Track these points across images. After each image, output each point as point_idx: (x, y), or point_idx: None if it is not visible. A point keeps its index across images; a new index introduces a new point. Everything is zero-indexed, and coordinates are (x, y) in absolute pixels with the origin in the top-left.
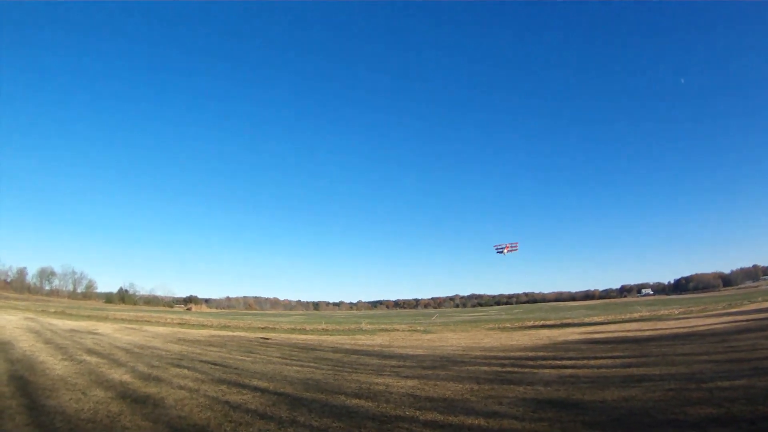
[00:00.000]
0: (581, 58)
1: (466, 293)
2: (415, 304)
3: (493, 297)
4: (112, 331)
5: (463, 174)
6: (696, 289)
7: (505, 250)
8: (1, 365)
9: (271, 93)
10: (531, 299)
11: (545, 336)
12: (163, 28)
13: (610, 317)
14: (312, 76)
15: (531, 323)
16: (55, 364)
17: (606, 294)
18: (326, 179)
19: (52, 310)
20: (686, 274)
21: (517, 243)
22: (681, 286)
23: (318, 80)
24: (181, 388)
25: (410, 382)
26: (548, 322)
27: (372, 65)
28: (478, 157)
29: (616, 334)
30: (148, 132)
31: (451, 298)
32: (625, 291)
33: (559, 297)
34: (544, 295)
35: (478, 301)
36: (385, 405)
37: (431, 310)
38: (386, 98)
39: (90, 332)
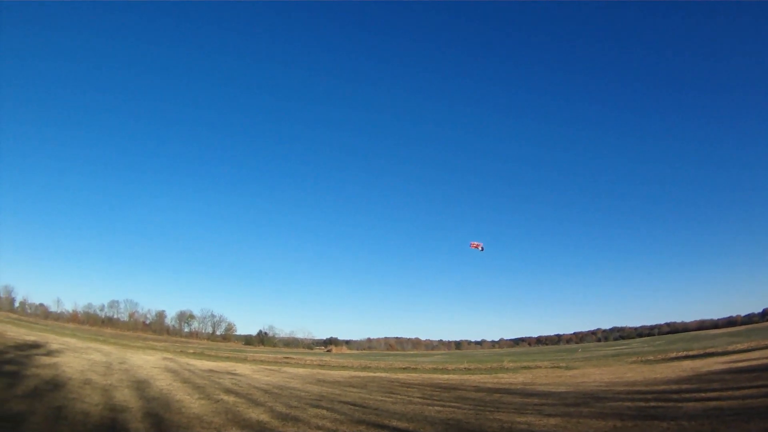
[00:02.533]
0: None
1: (607, 326)
2: (557, 339)
3: (635, 329)
4: (250, 371)
5: (597, 202)
6: None
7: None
8: (137, 402)
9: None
10: (673, 329)
11: (688, 367)
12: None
13: (753, 344)
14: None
15: (673, 354)
16: (191, 403)
17: (749, 319)
18: (460, 219)
19: (191, 351)
20: None
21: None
22: None
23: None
24: (319, 428)
25: (553, 420)
26: (691, 353)
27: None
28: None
29: (760, 362)
30: (277, 175)
31: (593, 332)
32: None
33: (701, 325)
34: (685, 324)
35: (620, 334)
36: None
37: (573, 346)
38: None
39: (228, 372)
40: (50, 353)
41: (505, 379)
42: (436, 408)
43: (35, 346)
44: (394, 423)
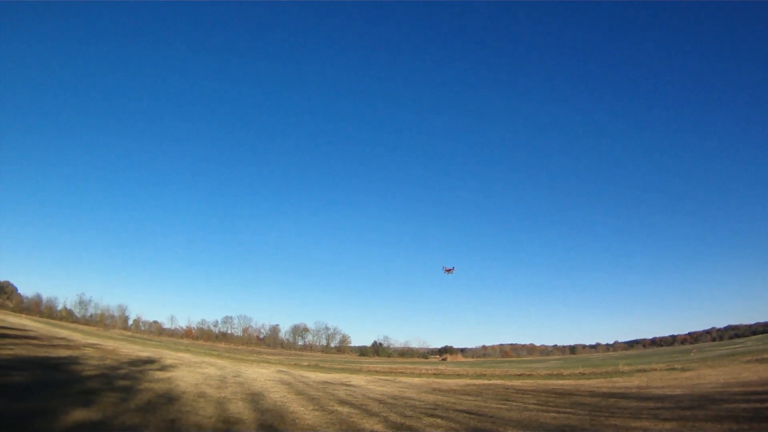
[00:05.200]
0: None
1: (721, 325)
2: (672, 340)
3: (750, 326)
4: (365, 382)
5: (703, 198)
6: None
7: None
8: (251, 414)
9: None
10: None
11: None
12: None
13: None
14: None
15: None
16: (305, 414)
17: None
18: (569, 223)
19: (305, 363)
20: None
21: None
22: None
23: None
24: None
25: (668, 425)
26: None
27: None
28: None
29: None
30: (390, 189)
31: (708, 332)
32: None
33: None
34: None
35: (734, 332)
36: None
37: (688, 346)
38: None
39: (343, 384)
40: (164, 368)
41: (620, 382)
42: (551, 414)
43: (149, 361)
44: (510, 430)
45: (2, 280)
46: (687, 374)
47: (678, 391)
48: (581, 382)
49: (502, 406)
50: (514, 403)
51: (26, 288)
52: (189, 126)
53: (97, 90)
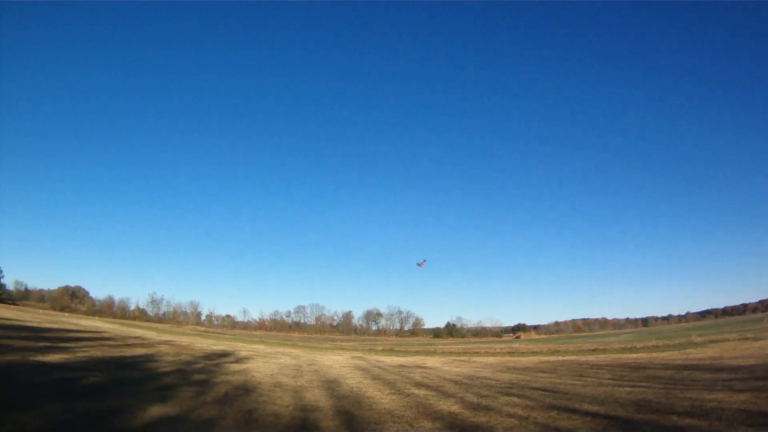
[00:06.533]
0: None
1: None
2: (743, 309)
3: None
4: (440, 364)
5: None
6: None
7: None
8: (328, 401)
9: None
10: None
11: None
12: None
13: None
14: None
15: None
16: (382, 399)
17: None
18: (633, 197)
19: (380, 348)
20: None
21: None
22: None
23: None
24: (510, 416)
25: (742, 396)
26: None
27: None
28: None
29: None
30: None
31: None
32: None
33: None
34: None
35: None
36: (717, 423)
37: (759, 315)
38: None
39: (418, 366)
40: (239, 360)
41: (694, 354)
42: (626, 389)
43: (224, 354)
44: (585, 407)
45: (73, 285)
46: (759, 344)
47: (751, 362)
48: (654, 354)
49: (577, 382)
50: (589, 379)
51: (98, 291)
52: (248, 121)
53: (149, 87)
